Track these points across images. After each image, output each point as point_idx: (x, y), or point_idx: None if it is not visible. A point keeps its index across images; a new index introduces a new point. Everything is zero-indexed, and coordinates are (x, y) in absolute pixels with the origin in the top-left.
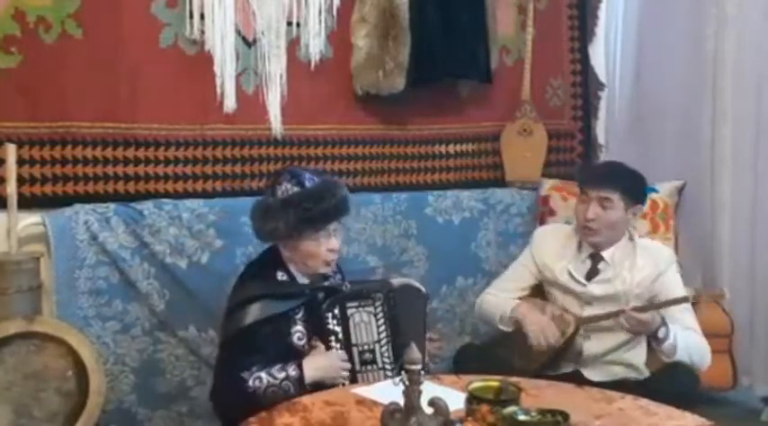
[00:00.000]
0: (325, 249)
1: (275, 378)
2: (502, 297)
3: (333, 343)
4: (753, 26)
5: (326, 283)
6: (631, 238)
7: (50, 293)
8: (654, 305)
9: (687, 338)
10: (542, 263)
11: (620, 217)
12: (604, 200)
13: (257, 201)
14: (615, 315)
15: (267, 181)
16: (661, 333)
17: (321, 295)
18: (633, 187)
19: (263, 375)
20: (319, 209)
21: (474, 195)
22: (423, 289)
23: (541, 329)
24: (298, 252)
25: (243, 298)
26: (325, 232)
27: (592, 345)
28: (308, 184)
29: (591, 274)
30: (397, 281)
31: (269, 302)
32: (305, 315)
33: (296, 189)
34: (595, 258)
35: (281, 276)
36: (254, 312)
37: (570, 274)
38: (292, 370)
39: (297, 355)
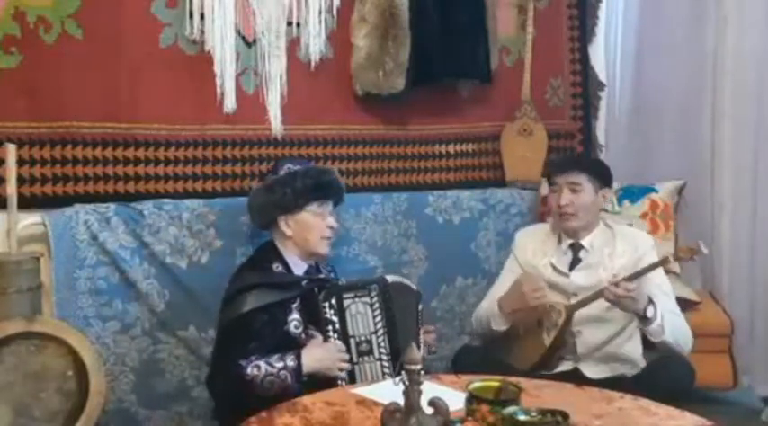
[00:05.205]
0: (325, 224)
1: (273, 367)
2: (485, 305)
3: (330, 333)
4: (753, 26)
5: (322, 275)
6: (609, 226)
7: (50, 293)
8: (636, 272)
9: (672, 321)
10: (526, 263)
11: (591, 200)
12: (574, 185)
13: (258, 185)
14: (601, 293)
15: (268, 169)
16: (649, 313)
17: (317, 287)
18: (599, 170)
19: (261, 363)
20: (326, 179)
21: (474, 195)
22: (414, 288)
23: (528, 289)
24: (298, 226)
25: (240, 287)
26: (326, 207)
27: (585, 339)
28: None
29: (573, 264)
30: (391, 278)
31: (265, 291)
32: (301, 305)
33: (298, 167)
34: (575, 247)
35: (276, 267)
36: (251, 300)
37: (553, 266)
38: (290, 361)
39: (293, 344)
